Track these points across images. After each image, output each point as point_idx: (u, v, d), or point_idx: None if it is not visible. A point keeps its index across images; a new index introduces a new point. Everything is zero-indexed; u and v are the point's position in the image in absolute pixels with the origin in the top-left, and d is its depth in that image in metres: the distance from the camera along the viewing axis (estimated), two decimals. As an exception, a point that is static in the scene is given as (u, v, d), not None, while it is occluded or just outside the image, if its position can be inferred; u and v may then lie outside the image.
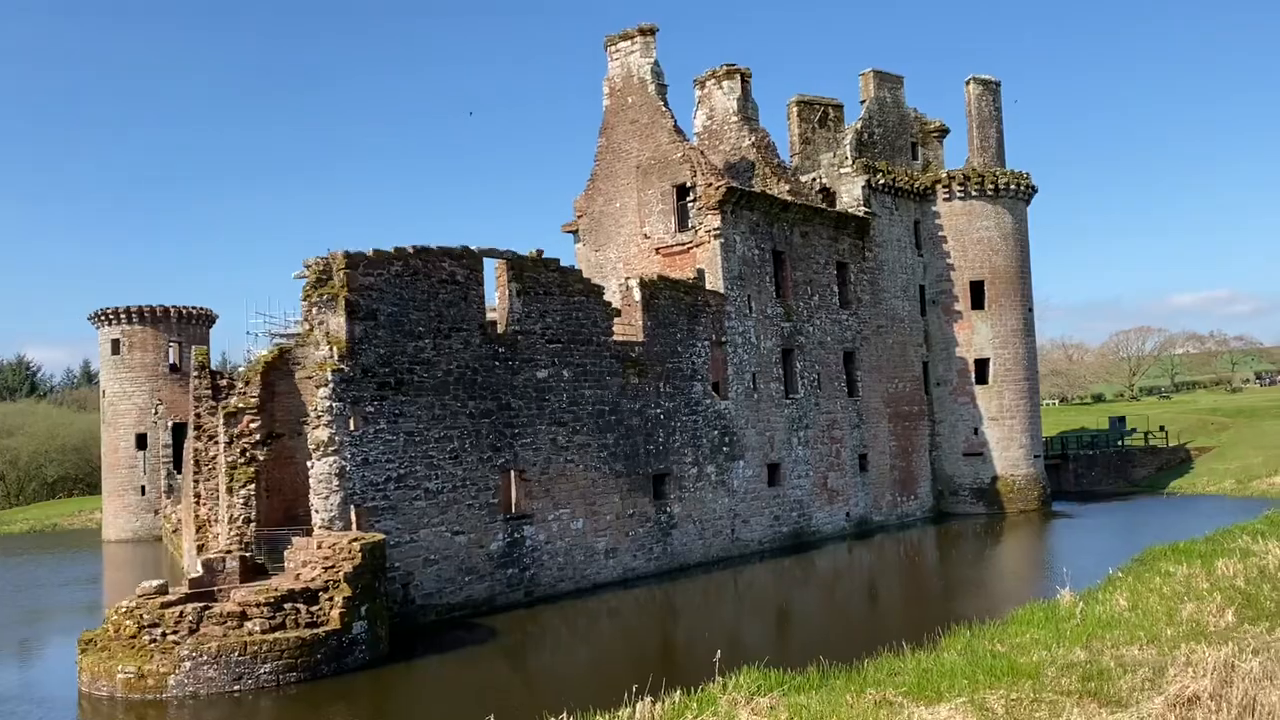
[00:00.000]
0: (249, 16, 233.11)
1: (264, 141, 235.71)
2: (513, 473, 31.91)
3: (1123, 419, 68.65)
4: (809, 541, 42.83)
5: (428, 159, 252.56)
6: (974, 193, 50.87)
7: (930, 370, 51.72)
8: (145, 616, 21.43)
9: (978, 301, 51.03)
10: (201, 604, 21.83)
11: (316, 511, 26.39)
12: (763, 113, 48.19)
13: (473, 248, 30.87)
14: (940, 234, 51.43)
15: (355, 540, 23.69)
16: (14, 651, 30.83)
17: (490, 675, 23.97)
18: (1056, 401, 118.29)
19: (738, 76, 47.43)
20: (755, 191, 42.62)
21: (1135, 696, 15.98)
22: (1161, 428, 66.93)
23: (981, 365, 50.95)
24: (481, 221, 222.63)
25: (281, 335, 60.58)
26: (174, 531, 55.31)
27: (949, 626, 22.94)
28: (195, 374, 40.20)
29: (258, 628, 21.50)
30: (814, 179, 49.63)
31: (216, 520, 36.88)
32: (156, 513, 63.35)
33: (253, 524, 26.62)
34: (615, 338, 35.62)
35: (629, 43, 43.88)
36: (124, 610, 21.82)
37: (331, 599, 22.48)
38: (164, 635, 21.15)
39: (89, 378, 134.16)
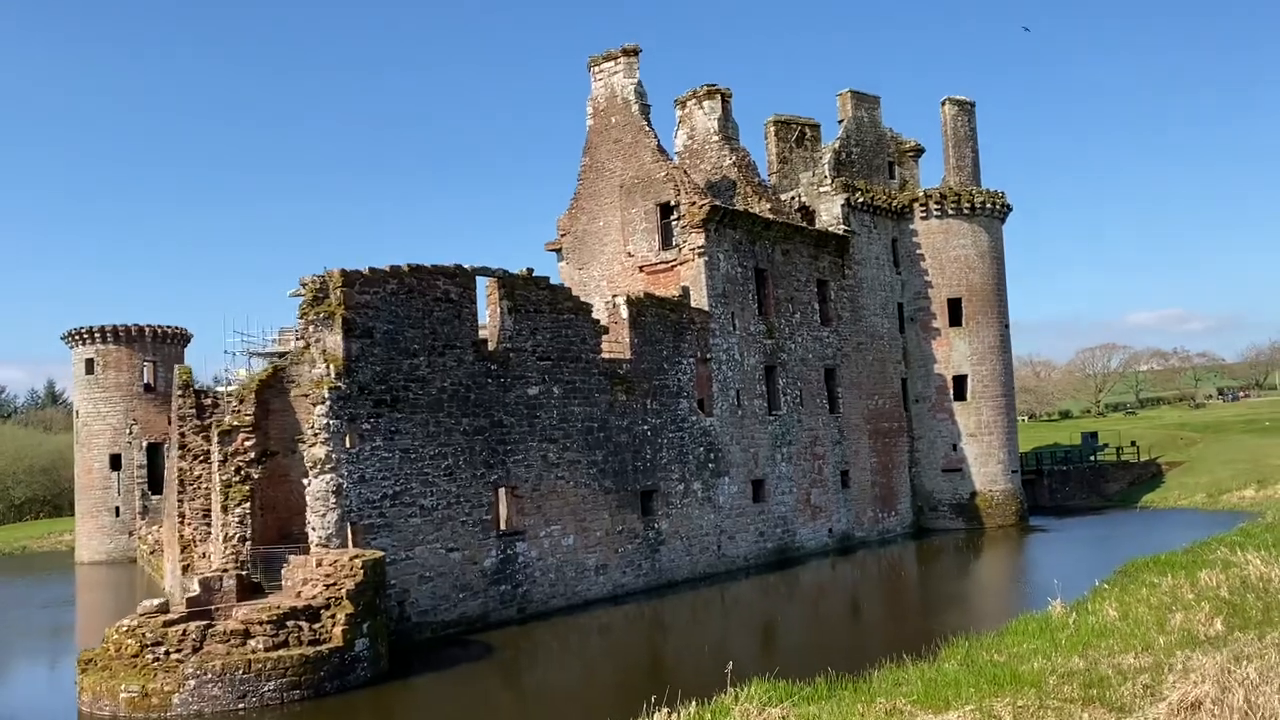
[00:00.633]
0: (224, 29, 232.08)
1: (233, 157, 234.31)
2: (505, 489, 32.02)
3: (1095, 435, 69.68)
4: (793, 557, 43.15)
5: (403, 175, 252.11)
6: (950, 211, 51.71)
7: (909, 387, 52.37)
8: (148, 635, 21.34)
9: (955, 319, 51.79)
10: (204, 622, 21.78)
11: (313, 529, 26.39)
12: (740, 132, 48.83)
13: (465, 266, 31.07)
14: (918, 252, 52.20)
15: (356, 557, 23.73)
16: (7, 672, 30.53)
17: (491, 693, 24.04)
18: (1026, 418, 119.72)
19: (718, 97, 47.99)
20: (738, 210, 43.12)
21: (1137, 703, 16.37)
22: (1133, 443, 68.01)
23: (959, 382, 51.66)
24: (457, 239, 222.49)
25: (260, 354, 60.24)
26: (151, 553, 54.73)
27: (944, 639, 23.25)
28: (179, 393, 40.01)
29: (261, 645, 21.48)
30: (793, 198, 50.24)
31: (201, 540, 36.67)
32: (131, 534, 62.61)
33: (248, 542, 26.55)
34: (603, 355, 35.89)
35: (613, 63, 44.35)
36: (125, 629, 21.71)
37: (334, 616, 22.50)
38: (167, 654, 21.08)
39: (54, 398, 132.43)
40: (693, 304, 40.40)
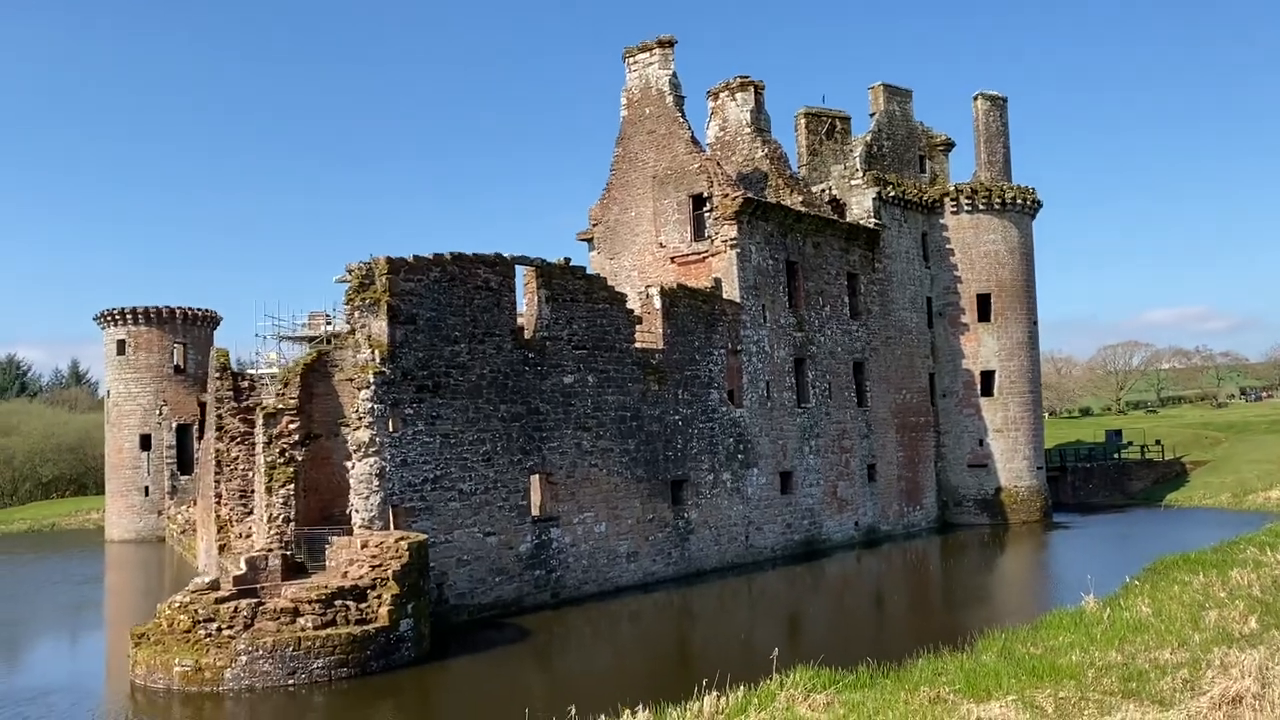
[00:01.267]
0: (242, 21, 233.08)
1: (257, 145, 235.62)
2: (540, 476, 32.43)
3: (1119, 433, 69.68)
4: (819, 550, 43.46)
5: (431, 163, 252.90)
6: (981, 206, 51.77)
7: (936, 382, 52.54)
8: (200, 611, 21.85)
9: (984, 314, 51.89)
10: (255, 600, 22.27)
11: (356, 511, 26.86)
12: (771, 124, 48.99)
13: (505, 255, 31.44)
14: (948, 246, 52.30)
15: (402, 539, 24.20)
16: (56, 645, 31.27)
17: (530, 676, 24.49)
18: (1046, 414, 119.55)
19: (751, 89, 48.16)
20: (771, 203, 43.34)
21: (1177, 697, 16.65)
22: (1157, 441, 67.95)
23: (987, 377, 51.79)
24: (486, 229, 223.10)
25: (290, 338, 60.89)
26: (181, 532, 55.50)
27: (976, 632, 23.50)
28: (216, 376, 40.58)
29: (310, 624, 21.96)
30: (824, 190, 50.40)
31: (238, 520, 37.31)
32: (160, 513, 63.45)
33: (292, 523, 27.04)
34: (636, 345, 36.22)
35: (647, 54, 44.57)
36: (178, 605, 22.23)
37: (380, 596, 22.96)
38: (219, 630, 21.59)
39: (78, 378, 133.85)
40: (724, 296, 40.68)
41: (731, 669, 19.43)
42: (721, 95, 48.99)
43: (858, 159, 49.97)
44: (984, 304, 51.97)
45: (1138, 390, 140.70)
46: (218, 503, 38.52)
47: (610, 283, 42.15)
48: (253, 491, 37.03)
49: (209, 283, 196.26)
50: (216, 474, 38.97)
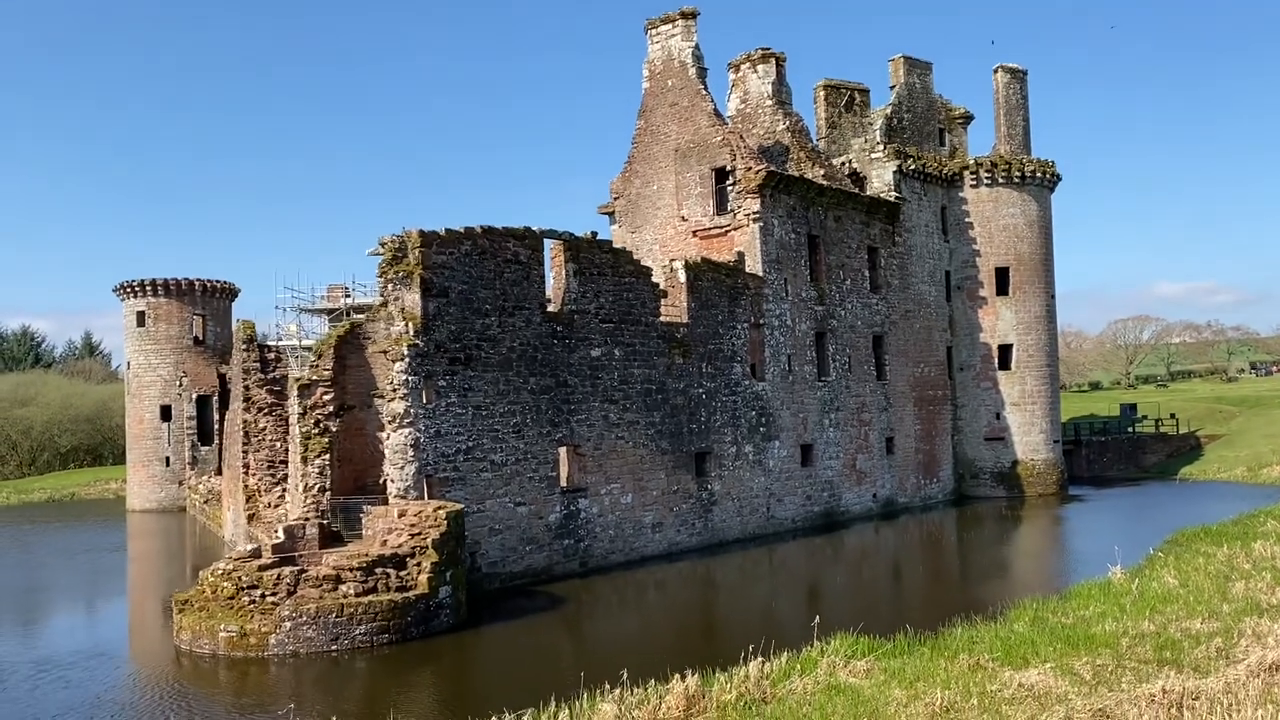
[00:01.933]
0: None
1: (269, 115, 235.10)
2: (568, 448, 32.78)
3: (1134, 406, 69.84)
4: (839, 521, 43.85)
5: (447, 137, 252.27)
6: (1001, 179, 51.75)
7: (954, 355, 52.72)
8: (244, 579, 22.26)
9: (1002, 288, 51.98)
10: (297, 568, 22.66)
11: (392, 481, 27.25)
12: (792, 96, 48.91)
13: (534, 228, 31.64)
14: (966, 220, 52.33)
15: (440, 509, 24.59)
16: (87, 612, 31.80)
17: (567, 641, 24.98)
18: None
19: (772, 61, 48.02)
20: (793, 176, 43.38)
21: (1213, 664, 16.98)
22: (1172, 415, 68.13)
23: (1004, 351, 51.95)
24: (503, 202, 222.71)
25: (309, 310, 61.09)
26: (204, 502, 56.04)
27: (1009, 603, 23.83)
28: (243, 347, 40.97)
29: (352, 591, 22.37)
30: (844, 163, 50.39)
31: (266, 490, 37.76)
32: (181, 484, 64.00)
33: (327, 493, 27.42)
34: (661, 319, 36.45)
35: (670, 26, 44.46)
36: (221, 573, 22.64)
37: (419, 564, 23.35)
38: (263, 596, 21.99)
39: (91, 349, 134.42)
40: (747, 269, 40.83)
41: (762, 638, 19.78)
42: (743, 67, 48.87)
43: (878, 132, 49.92)
44: (1002, 278, 52.05)
45: (1147, 364, 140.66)
46: (246, 473, 39.00)
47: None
48: (280, 462, 37.48)
49: (214, 254, 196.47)
50: (244, 445, 39.42)
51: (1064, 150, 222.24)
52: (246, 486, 38.32)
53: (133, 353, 66.16)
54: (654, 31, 45.01)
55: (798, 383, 42.78)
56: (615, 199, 47.19)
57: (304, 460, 27.41)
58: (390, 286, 27.95)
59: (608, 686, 16.57)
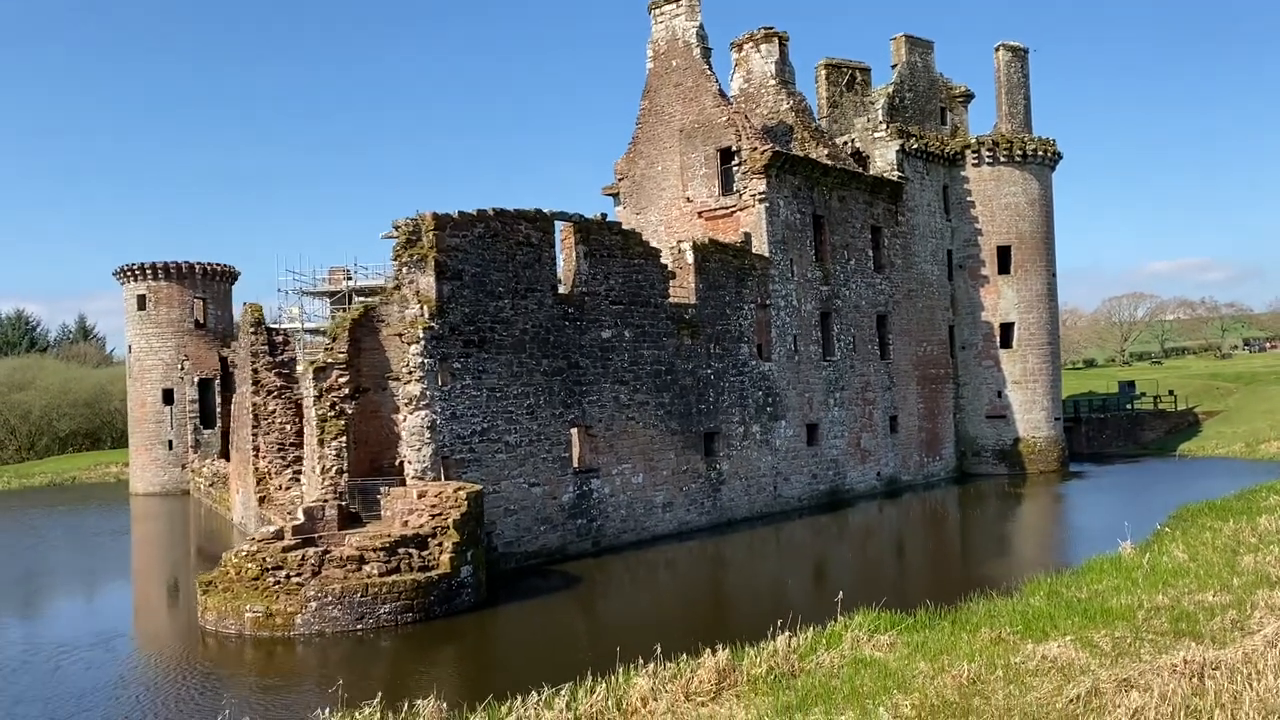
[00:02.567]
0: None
1: (267, 91, 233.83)
2: (579, 429, 33.03)
3: (1132, 384, 70.31)
4: (843, 499, 44.23)
5: (455, 115, 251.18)
6: (1003, 158, 51.92)
7: (956, 334, 53.02)
8: (268, 560, 22.49)
9: (1004, 266, 52.24)
10: (321, 548, 22.90)
11: (409, 463, 27.47)
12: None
13: (544, 210, 31.76)
14: (969, 199, 52.51)
15: (460, 490, 24.83)
16: (103, 594, 32.04)
17: (585, 619, 25.27)
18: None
19: (776, 40, 48.03)
20: (799, 156, 43.49)
21: (1228, 636, 17.31)
22: (1171, 392, 68.61)
23: (1006, 330, 52.27)
24: (503, 182, 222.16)
25: (311, 292, 61.04)
26: (210, 485, 56.20)
27: (1021, 578, 24.17)
28: (251, 331, 41.07)
29: (376, 571, 22.63)
30: (846, 142, 50.49)
31: (276, 473, 37.95)
32: (184, 467, 64.15)
33: (345, 474, 27.63)
34: (670, 300, 36.63)
35: (674, 5, 44.41)
36: (245, 554, 22.87)
37: (440, 544, 23.61)
38: (288, 577, 22.23)
39: (85, 333, 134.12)
40: (753, 250, 41.00)
41: (780, 614, 20.08)
42: (746, 47, 48.88)
43: (880, 111, 50.00)
44: (1004, 256, 52.30)
45: (1141, 341, 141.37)
46: (256, 455, 39.16)
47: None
48: (290, 444, 37.63)
49: (211, 237, 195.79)
50: (254, 428, 39.58)
51: (1057, 129, 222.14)
52: (257, 469, 38.50)
53: (134, 336, 66.14)
54: (658, 11, 44.97)
55: (803, 363, 43.04)
56: (620, 180, 47.26)
57: (321, 442, 27.59)
58: (404, 270, 28.08)
59: (641, 660, 16.86)
